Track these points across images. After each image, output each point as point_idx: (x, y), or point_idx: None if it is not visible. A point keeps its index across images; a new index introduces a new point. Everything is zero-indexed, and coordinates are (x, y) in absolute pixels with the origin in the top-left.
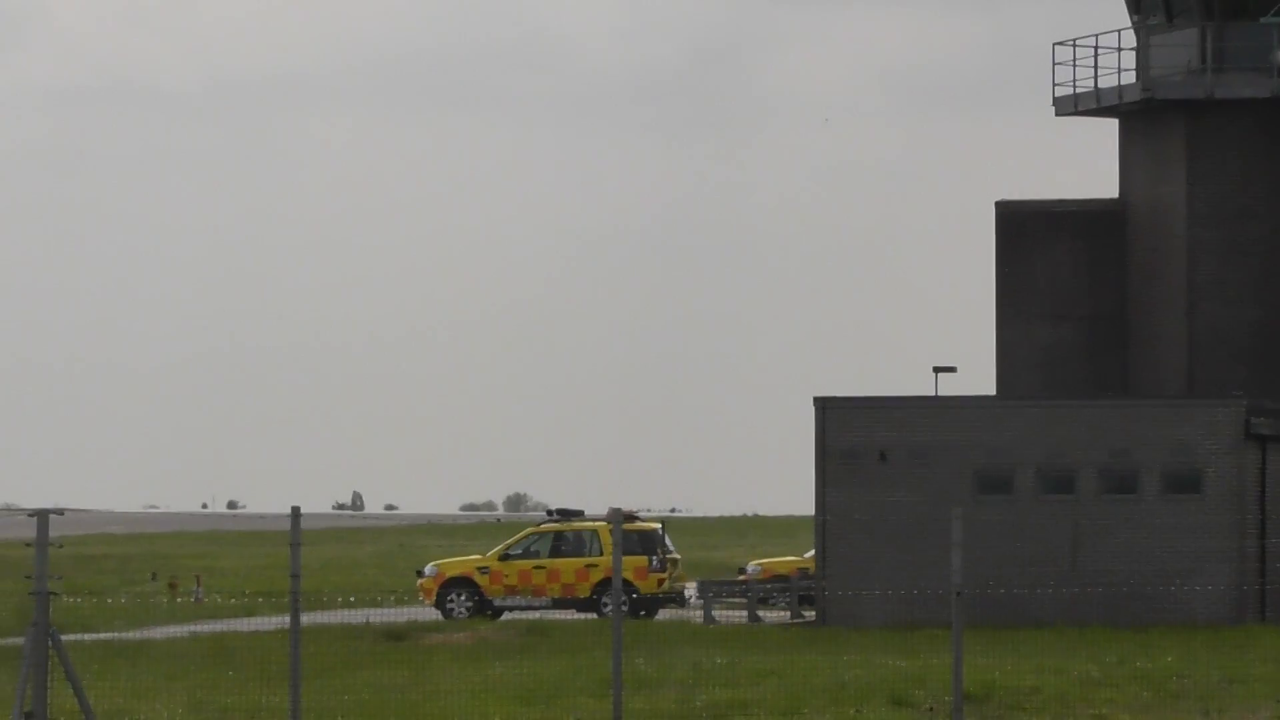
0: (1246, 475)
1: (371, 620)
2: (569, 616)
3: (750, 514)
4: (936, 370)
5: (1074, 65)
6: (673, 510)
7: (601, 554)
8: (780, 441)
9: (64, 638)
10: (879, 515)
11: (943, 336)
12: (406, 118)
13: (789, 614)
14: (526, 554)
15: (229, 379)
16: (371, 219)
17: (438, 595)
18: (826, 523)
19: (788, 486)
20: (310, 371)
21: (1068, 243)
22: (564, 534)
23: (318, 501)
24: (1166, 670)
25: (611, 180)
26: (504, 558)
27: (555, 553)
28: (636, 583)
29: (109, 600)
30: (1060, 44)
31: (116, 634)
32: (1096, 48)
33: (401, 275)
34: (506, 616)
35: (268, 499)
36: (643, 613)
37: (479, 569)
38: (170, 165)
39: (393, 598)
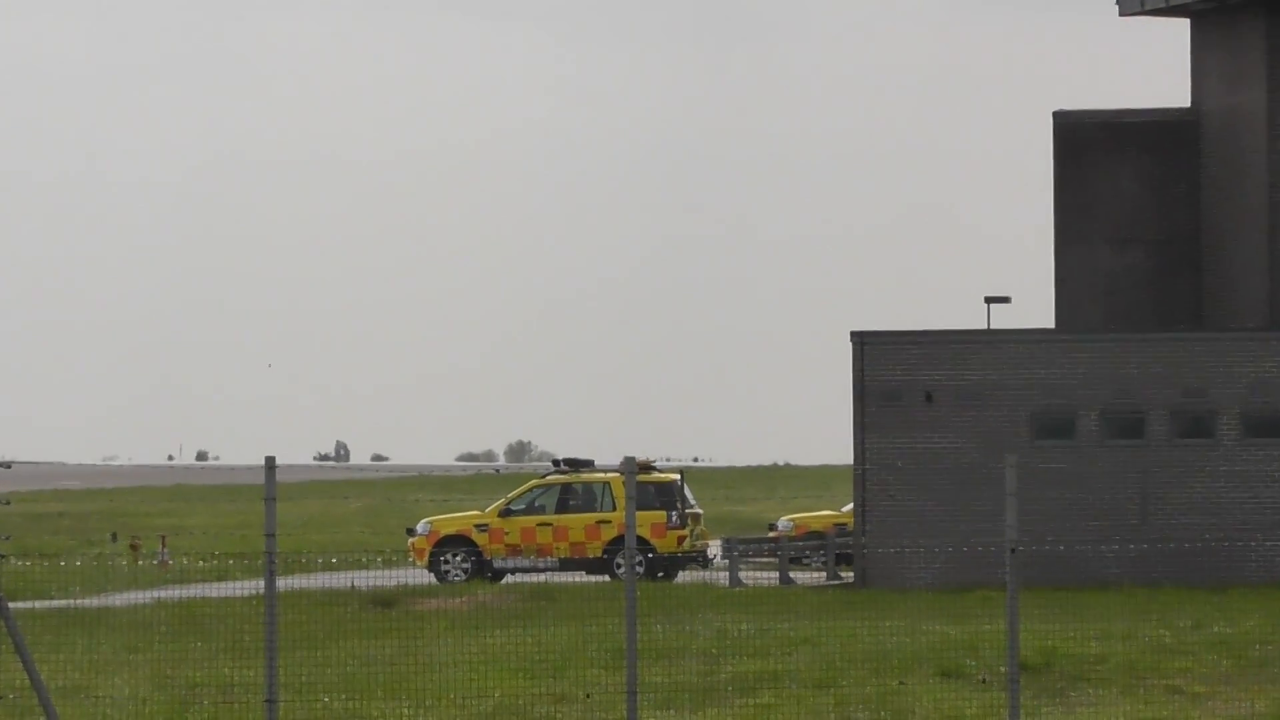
0: None
1: (357, 584)
2: (578, 579)
3: (781, 463)
4: (988, 301)
5: None
6: (694, 459)
7: (614, 509)
8: (814, 382)
9: (13, 605)
10: (924, 463)
11: (995, 263)
12: (402, 23)
13: (825, 575)
14: (530, 509)
15: (198, 315)
16: (359, 134)
17: (431, 556)
18: (866, 472)
19: (822, 432)
20: (289, 306)
21: (1134, 158)
22: (572, 487)
23: (297, 452)
24: (1248, 636)
25: (633, 90)
26: (505, 514)
27: (562, 508)
28: (654, 541)
29: (63, 563)
30: None
31: (72, 601)
32: None
33: (390, 197)
34: (508, 580)
35: (241, 449)
36: (661, 574)
37: (477, 526)
38: (140, 78)
39: (380, 559)
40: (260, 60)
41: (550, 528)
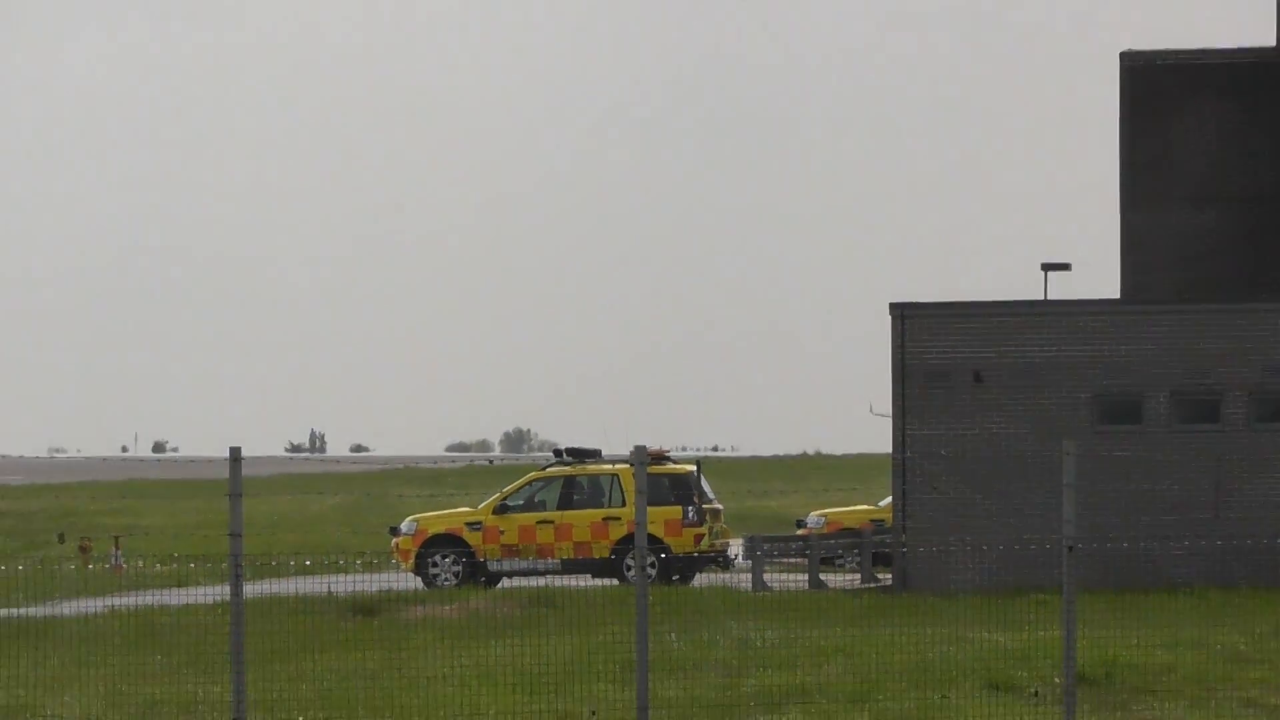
0: None
1: (334, 590)
2: (583, 583)
3: (811, 452)
4: (1046, 268)
5: None
6: (714, 449)
7: (623, 504)
8: (849, 361)
9: None
10: (973, 452)
11: (1053, 226)
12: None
13: (860, 577)
14: (529, 505)
15: (155, 291)
16: (335, 106)
17: (417, 558)
18: (907, 462)
19: (858, 417)
20: (258, 281)
21: (1213, 104)
22: (576, 480)
23: (266, 442)
24: None
25: (647, 45)
26: (501, 510)
27: (565, 503)
28: (668, 540)
29: (4, 568)
30: None
31: (15, 610)
32: None
33: (375, 160)
34: (504, 584)
35: (203, 440)
36: (676, 577)
37: (469, 525)
38: (84, 45)
39: (360, 562)
40: (245, 43)
41: (552, 525)
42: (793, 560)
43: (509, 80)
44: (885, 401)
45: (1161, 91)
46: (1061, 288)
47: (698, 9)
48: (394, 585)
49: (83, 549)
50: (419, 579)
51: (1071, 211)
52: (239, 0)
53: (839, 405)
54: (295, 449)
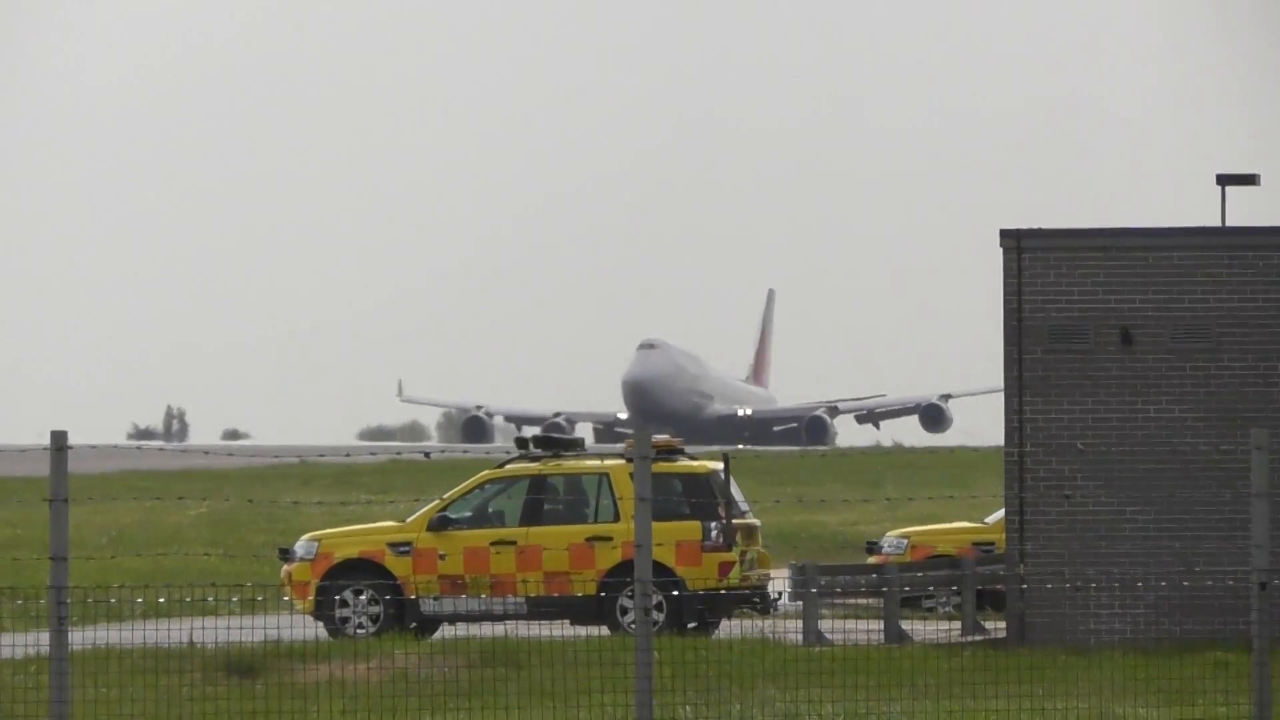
0: None
1: (198, 640)
2: (559, 632)
3: (887, 443)
4: (1223, 181)
5: None
6: (743, 437)
7: (616, 517)
8: (942, 311)
9: None
10: (1119, 444)
11: (1232, 127)
12: None
13: (959, 625)
14: (481, 518)
15: None
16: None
17: (319, 593)
18: (1026, 458)
19: (957, 388)
20: (89, 215)
21: None
22: (549, 481)
23: (103, 425)
24: None
25: None
26: (439, 525)
27: (533, 515)
28: (681, 569)
29: None
30: None
31: None
32: None
33: (262, 92)
34: (445, 632)
35: (15, 423)
36: (693, 624)
37: (393, 546)
38: None
39: (237, 598)
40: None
41: (513, 548)
42: (862, 600)
43: (452, 37)
44: (995, 368)
45: None
46: (1243, 208)
47: None
48: (284, 633)
49: None
50: (320, 624)
51: (1254, 111)
52: None
53: (929, 375)
54: (143, 434)
